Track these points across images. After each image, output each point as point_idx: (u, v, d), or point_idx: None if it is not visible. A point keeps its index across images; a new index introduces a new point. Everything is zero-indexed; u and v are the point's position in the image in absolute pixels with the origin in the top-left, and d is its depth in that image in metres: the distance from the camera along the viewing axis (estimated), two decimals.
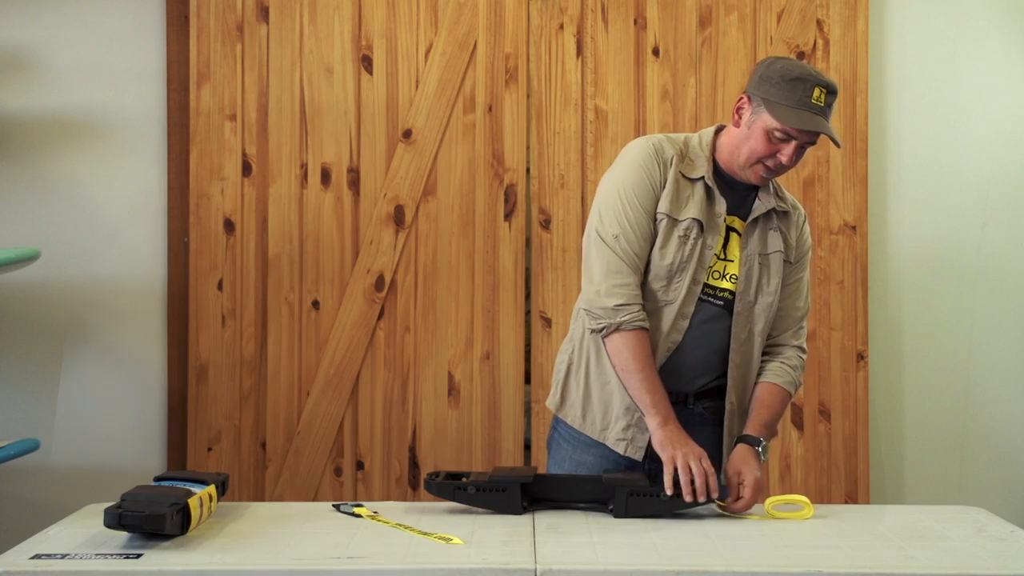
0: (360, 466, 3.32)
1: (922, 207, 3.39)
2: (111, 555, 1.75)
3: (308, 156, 3.32)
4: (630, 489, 2.04)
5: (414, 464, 3.32)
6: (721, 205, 2.22)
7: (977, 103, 3.40)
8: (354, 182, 3.32)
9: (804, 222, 2.35)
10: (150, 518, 1.78)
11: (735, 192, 2.25)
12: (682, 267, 2.20)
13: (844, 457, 3.31)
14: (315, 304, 3.31)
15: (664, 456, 2.08)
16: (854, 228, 3.33)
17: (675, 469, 2.06)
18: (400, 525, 1.95)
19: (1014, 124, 3.41)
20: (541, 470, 2.31)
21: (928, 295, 3.40)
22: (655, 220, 2.20)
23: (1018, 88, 3.40)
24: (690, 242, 2.19)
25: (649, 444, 2.19)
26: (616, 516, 2.04)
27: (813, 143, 2.18)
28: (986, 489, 3.38)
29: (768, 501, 2.09)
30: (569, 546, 1.84)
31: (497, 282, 3.31)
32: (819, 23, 3.33)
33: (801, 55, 3.31)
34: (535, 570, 1.70)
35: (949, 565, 1.77)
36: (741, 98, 2.20)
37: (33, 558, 1.74)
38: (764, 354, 2.32)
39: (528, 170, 3.33)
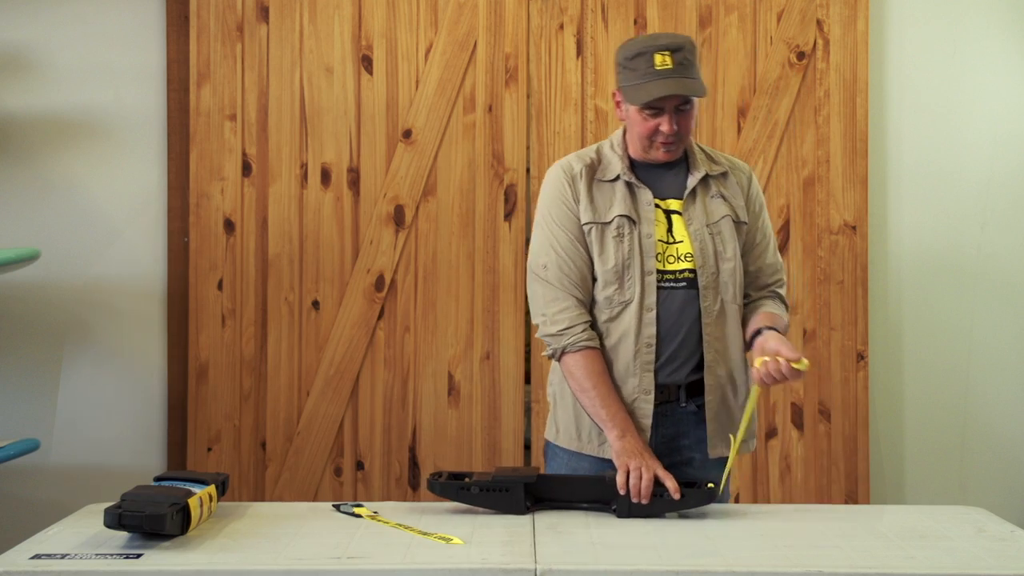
0: (360, 466, 3.32)
1: (922, 207, 3.39)
2: (111, 555, 1.75)
3: (308, 156, 3.32)
4: None
5: (414, 464, 3.32)
6: (646, 194, 2.26)
7: (977, 103, 3.40)
8: (354, 182, 3.32)
9: (750, 180, 2.36)
10: (150, 518, 1.78)
11: (666, 176, 2.29)
12: (628, 263, 2.24)
13: (844, 457, 3.31)
14: (315, 304, 3.31)
15: (619, 464, 2.11)
16: (854, 228, 3.33)
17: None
18: (400, 525, 1.95)
19: (1014, 124, 3.40)
20: (542, 470, 2.32)
21: (928, 295, 3.40)
22: (585, 235, 2.26)
23: (1018, 88, 3.40)
24: (626, 238, 2.24)
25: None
26: (619, 516, 2.04)
27: (688, 103, 2.20)
28: (986, 489, 3.38)
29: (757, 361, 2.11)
30: (569, 546, 1.84)
31: (497, 282, 3.31)
32: (819, 23, 3.33)
33: (801, 55, 3.31)
34: (535, 570, 1.70)
35: (949, 565, 1.77)
36: (615, 93, 2.28)
37: (33, 558, 1.74)
38: (745, 301, 2.34)
39: (528, 170, 3.33)
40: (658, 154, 2.25)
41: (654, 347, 2.23)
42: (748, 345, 2.27)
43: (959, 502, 3.29)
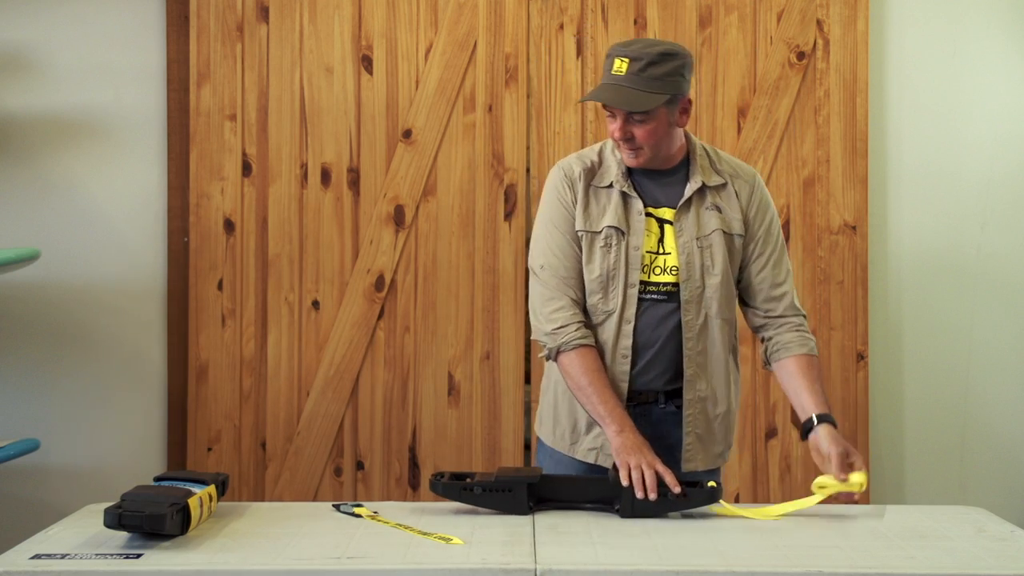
0: (360, 466, 3.32)
1: (922, 207, 3.38)
2: (111, 555, 1.75)
3: (308, 156, 3.32)
4: None
5: (414, 464, 3.32)
6: (638, 204, 2.24)
7: (977, 103, 3.40)
8: (354, 182, 3.32)
9: (752, 188, 2.31)
10: (150, 518, 1.78)
11: (664, 183, 2.27)
12: (612, 275, 2.23)
13: None
14: (315, 304, 3.31)
15: (619, 461, 2.10)
16: (854, 228, 3.33)
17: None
18: (400, 525, 1.95)
19: (1014, 124, 3.40)
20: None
21: (928, 295, 3.40)
22: (579, 239, 2.26)
23: (1018, 88, 3.40)
24: (613, 250, 2.23)
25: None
26: (623, 516, 2.04)
27: (636, 115, 2.17)
28: (986, 489, 3.38)
29: (817, 481, 2.10)
30: (569, 546, 1.84)
31: (497, 282, 3.31)
32: (819, 23, 3.33)
33: (801, 55, 3.31)
34: (535, 570, 1.70)
35: (949, 565, 1.77)
36: None
37: (33, 558, 1.74)
38: (762, 327, 2.32)
39: (528, 170, 3.33)
40: (625, 158, 2.24)
41: (629, 358, 2.24)
42: (801, 428, 2.24)
43: (959, 502, 3.29)
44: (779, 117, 3.32)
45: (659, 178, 2.27)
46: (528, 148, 3.33)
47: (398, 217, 3.31)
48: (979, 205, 3.40)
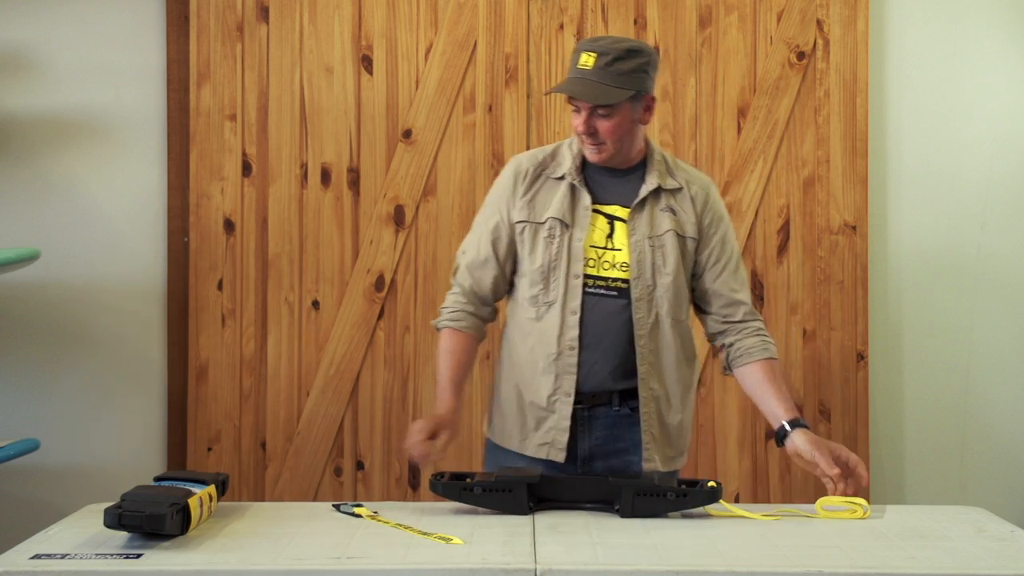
0: (360, 466, 3.32)
1: (922, 207, 3.38)
2: (111, 555, 1.75)
3: (308, 156, 3.32)
4: (637, 489, 2.04)
5: (414, 464, 3.32)
6: (586, 198, 2.27)
7: (977, 103, 3.40)
8: (354, 182, 3.32)
9: (708, 196, 2.33)
10: (150, 518, 1.78)
11: (619, 182, 2.29)
12: (554, 265, 2.26)
13: None
14: (315, 304, 3.31)
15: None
16: (854, 228, 3.33)
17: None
18: (400, 525, 1.95)
19: (1014, 124, 3.40)
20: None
21: (928, 295, 3.40)
22: (512, 233, 2.31)
23: (1018, 88, 3.40)
24: (556, 240, 2.26)
25: (570, 445, 2.26)
26: (623, 516, 2.03)
27: (601, 109, 2.20)
28: (986, 489, 3.38)
29: (820, 501, 2.10)
30: (569, 546, 1.84)
31: None
32: (819, 23, 3.33)
33: (801, 55, 3.31)
34: (535, 570, 1.70)
35: (949, 565, 1.77)
36: None
37: (33, 558, 1.74)
38: (721, 334, 2.33)
39: None
40: (587, 153, 2.27)
41: (576, 350, 2.25)
42: (776, 436, 2.25)
43: (959, 502, 3.29)
44: (779, 117, 3.32)
45: (614, 176, 2.30)
46: (528, 148, 3.32)
47: (398, 217, 3.31)
48: (979, 205, 3.40)
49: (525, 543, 1.84)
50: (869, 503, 2.11)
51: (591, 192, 2.28)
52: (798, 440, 2.18)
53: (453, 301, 2.37)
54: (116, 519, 1.79)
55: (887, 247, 3.38)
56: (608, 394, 2.28)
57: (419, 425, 2.17)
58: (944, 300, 3.40)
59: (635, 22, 3.32)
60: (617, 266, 2.26)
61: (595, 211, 2.28)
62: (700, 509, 2.07)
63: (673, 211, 2.29)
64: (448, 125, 3.31)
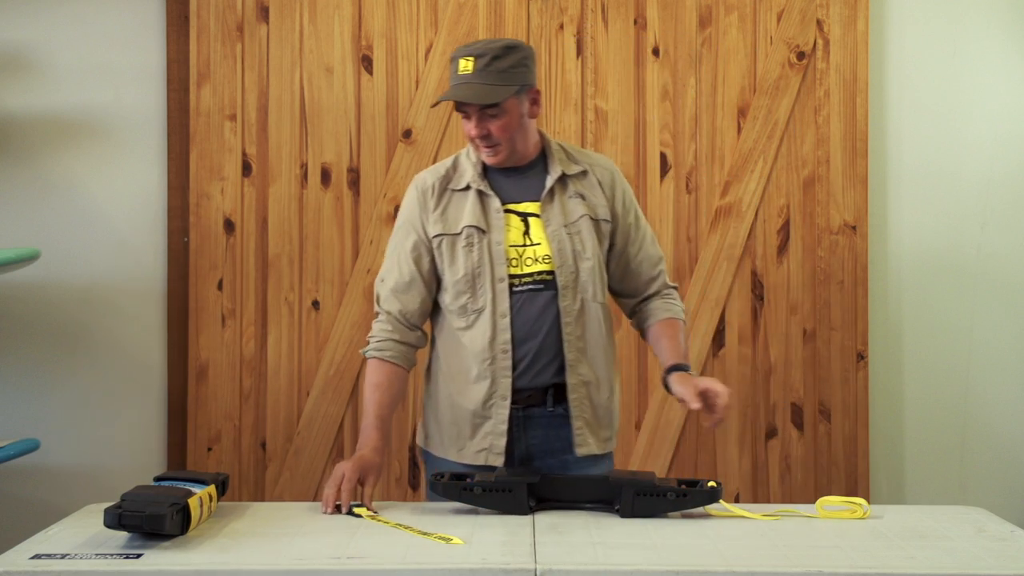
0: None
1: (922, 207, 3.39)
2: (111, 555, 1.75)
3: (308, 156, 3.32)
4: (637, 489, 2.04)
5: (414, 464, 3.32)
6: (495, 202, 2.29)
7: (977, 103, 3.40)
8: (354, 182, 3.32)
9: (613, 177, 2.38)
10: (150, 518, 1.78)
11: (522, 180, 2.32)
12: (478, 272, 2.28)
13: (844, 457, 3.31)
14: (315, 304, 3.31)
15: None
16: (854, 228, 3.33)
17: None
18: (400, 525, 1.95)
19: (1014, 124, 3.40)
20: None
21: (928, 295, 3.40)
22: (431, 248, 2.31)
23: (1018, 88, 3.40)
24: (475, 247, 2.27)
25: (508, 448, 2.26)
26: (623, 516, 2.04)
27: (490, 109, 2.23)
28: (986, 489, 3.39)
29: (820, 501, 2.10)
30: (569, 546, 1.84)
31: None
32: (819, 23, 3.33)
33: (801, 55, 3.31)
34: (535, 570, 1.70)
35: (949, 565, 1.77)
36: None
37: (33, 558, 1.74)
38: (636, 310, 2.41)
39: None
40: (484, 156, 2.29)
41: (510, 352, 2.26)
42: (665, 375, 2.28)
43: (959, 502, 3.29)
44: (779, 117, 3.32)
45: (516, 175, 2.33)
46: None
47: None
48: (979, 205, 3.40)
49: (525, 543, 1.84)
50: (869, 503, 2.11)
51: (499, 194, 2.31)
52: (672, 380, 2.24)
53: (379, 330, 2.32)
54: (116, 519, 1.79)
55: (887, 247, 3.38)
56: (543, 392, 2.29)
57: (344, 470, 2.12)
58: (944, 300, 3.40)
59: (635, 22, 3.32)
60: (539, 260, 2.28)
61: (507, 212, 2.30)
62: (700, 509, 2.08)
63: (583, 196, 2.32)
64: (448, 125, 3.31)
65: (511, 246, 2.28)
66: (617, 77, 3.32)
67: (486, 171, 2.33)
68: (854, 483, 3.30)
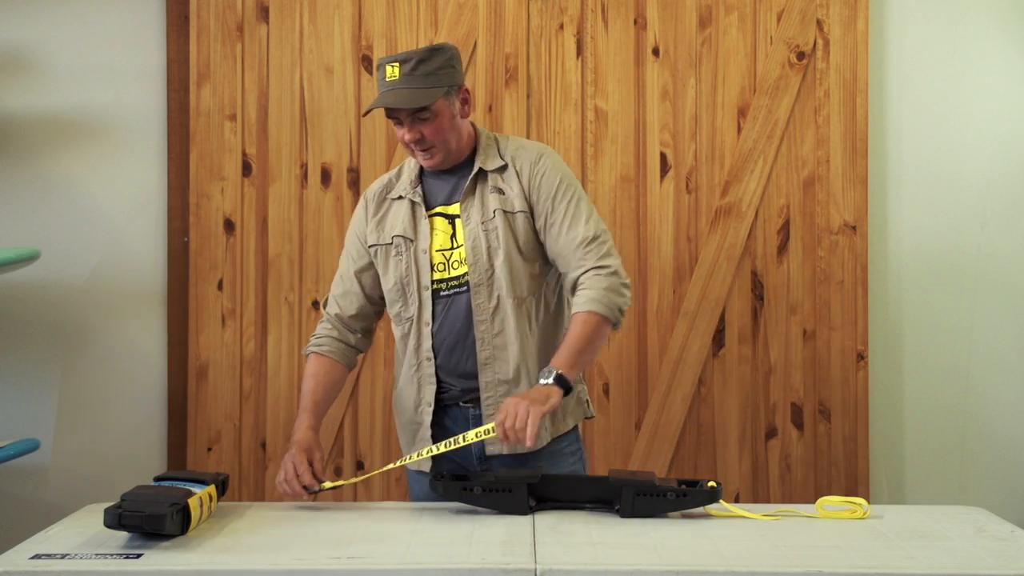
0: (360, 466, 3.32)
1: (922, 207, 3.38)
2: (111, 555, 1.75)
3: (308, 156, 3.32)
4: (637, 489, 2.04)
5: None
6: (421, 209, 2.32)
7: (977, 103, 3.39)
8: (354, 182, 3.32)
9: (532, 164, 2.29)
10: (150, 518, 1.78)
11: (451, 180, 2.32)
12: (406, 281, 2.31)
13: (844, 457, 3.31)
14: (315, 304, 3.31)
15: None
16: (854, 228, 3.33)
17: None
18: (380, 470, 1.95)
19: (1014, 124, 3.40)
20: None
21: (928, 295, 3.40)
22: (370, 256, 2.37)
23: (1018, 88, 3.40)
24: (403, 256, 2.31)
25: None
26: (623, 516, 2.04)
27: (420, 113, 2.21)
28: (986, 489, 3.38)
29: (820, 501, 2.10)
30: (569, 546, 1.84)
31: None
32: (819, 23, 3.33)
33: (801, 55, 3.31)
34: (535, 570, 1.70)
35: (949, 565, 1.77)
36: None
37: (33, 558, 1.74)
38: (576, 284, 2.26)
39: None
40: (420, 160, 2.30)
41: (433, 360, 2.29)
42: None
43: (959, 502, 3.29)
44: (779, 117, 3.32)
45: (448, 176, 2.33)
46: None
47: None
48: (979, 205, 3.40)
49: (525, 543, 1.84)
50: (869, 503, 2.11)
51: (431, 199, 2.32)
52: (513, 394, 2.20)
53: (320, 329, 2.40)
54: (116, 519, 1.79)
55: (887, 247, 3.38)
56: (460, 394, 2.29)
57: (292, 460, 2.17)
58: (944, 300, 3.40)
59: (635, 22, 3.32)
60: (463, 261, 2.29)
61: (436, 215, 2.31)
62: (700, 509, 2.08)
63: (500, 191, 2.30)
64: None
65: (439, 250, 2.29)
66: (617, 77, 3.32)
67: (423, 176, 2.35)
68: (854, 483, 3.30)
